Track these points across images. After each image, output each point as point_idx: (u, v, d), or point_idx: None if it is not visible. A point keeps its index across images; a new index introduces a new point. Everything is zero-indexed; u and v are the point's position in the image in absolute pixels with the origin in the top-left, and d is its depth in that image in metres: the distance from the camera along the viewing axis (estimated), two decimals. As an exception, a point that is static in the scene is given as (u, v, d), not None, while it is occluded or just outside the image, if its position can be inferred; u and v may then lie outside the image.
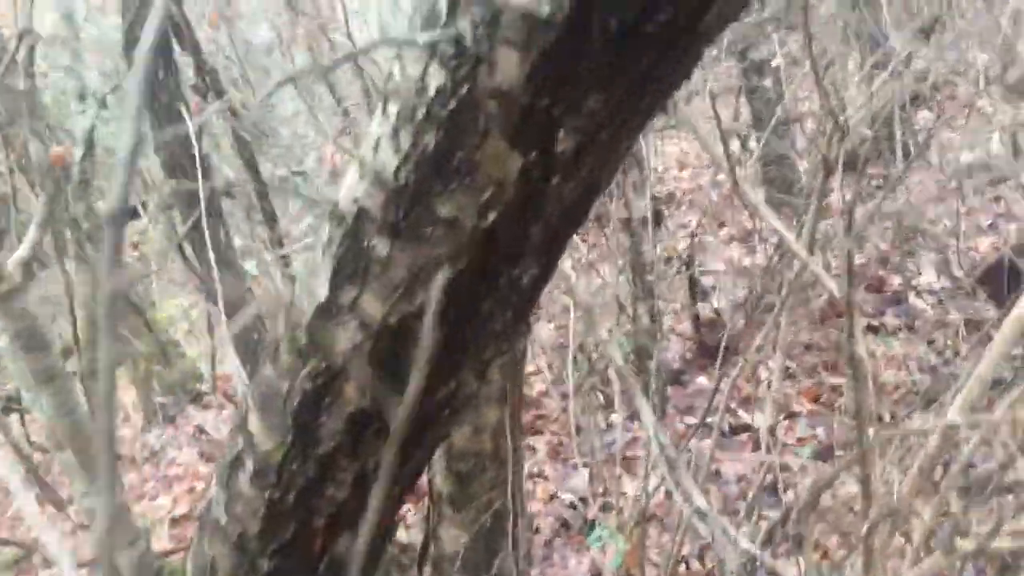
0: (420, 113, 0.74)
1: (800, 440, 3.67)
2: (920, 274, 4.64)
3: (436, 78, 0.72)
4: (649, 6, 0.66)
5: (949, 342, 3.93)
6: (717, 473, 3.53)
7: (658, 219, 3.90)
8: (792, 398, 4.16)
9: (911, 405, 3.62)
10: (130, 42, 2.32)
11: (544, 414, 4.30)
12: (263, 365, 0.97)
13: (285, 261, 3.40)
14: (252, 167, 3.64)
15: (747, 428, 3.98)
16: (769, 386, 3.33)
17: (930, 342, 4.12)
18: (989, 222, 4.87)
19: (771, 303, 3.94)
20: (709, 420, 3.22)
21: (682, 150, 7.66)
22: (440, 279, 0.80)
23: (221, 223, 2.92)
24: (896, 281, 4.46)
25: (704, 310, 4.61)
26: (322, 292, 0.86)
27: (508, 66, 0.69)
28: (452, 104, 0.72)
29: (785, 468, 3.43)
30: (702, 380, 4.31)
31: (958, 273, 4.24)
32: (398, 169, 0.77)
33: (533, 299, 0.87)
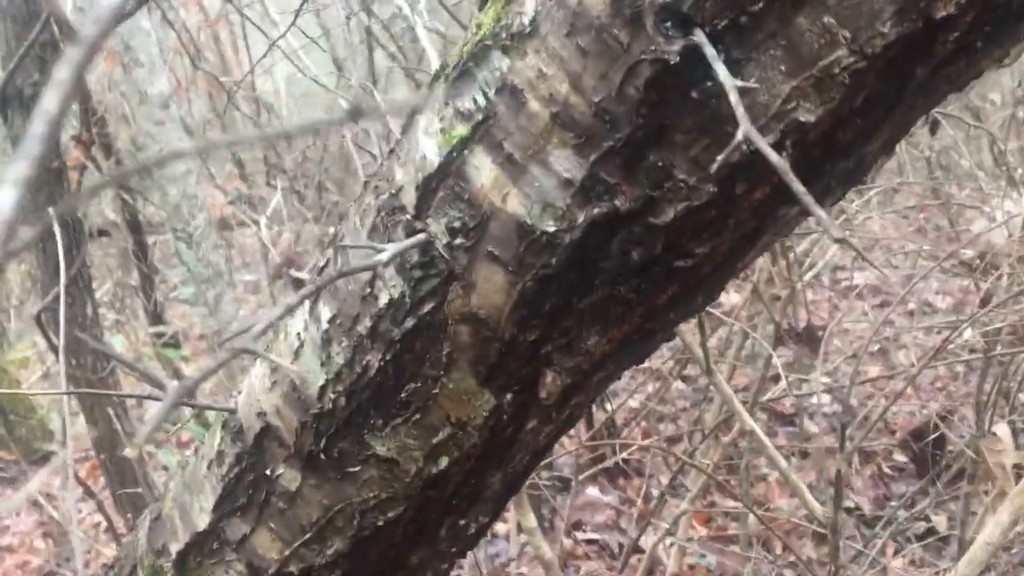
0: (363, 326, 0.56)
1: (691, 567, 3.55)
2: (814, 396, 4.67)
3: (391, 287, 0.54)
4: (682, 238, 0.50)
5: (842, 472, 3.90)
6: (605, 598, 3.37)
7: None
8: (683, 520, 4.04)
9: (803, 536, 3.56)
10: (9, 96, 2.04)
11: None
12: (113, 587, 0.74)
13: (159, 336, 3.09)
14: (135, 228, 3.34)
15: (638, 549, 3.83)
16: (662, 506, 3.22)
17: (821, 470, 4.11)
18: (877, 347, 4.97)
19: (664, 413, 3.85)
20: (598, 538, 3.07)
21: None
22: (363, 527, 0.60)
23: (89, 295, 2.62)
24: (789, 402, 4.46)
25: (599, 415, 4.50)
26: (202, 518, 0.65)
27: (491, 289, 0.52)
28: (409, 323, 0.54)
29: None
30: (593, 492, 4.16)
31: (852, 401, 4.28)
32: (324, 388, 0.58)
33: (476, 543, 0.68)
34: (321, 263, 0.60)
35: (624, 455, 3.23)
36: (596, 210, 0.49)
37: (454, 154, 0.52)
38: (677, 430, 3.79)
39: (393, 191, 0.54)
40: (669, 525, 2.19)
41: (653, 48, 0.45)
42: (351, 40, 3.78)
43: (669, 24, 0.45)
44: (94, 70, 4.30)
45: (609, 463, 3.77)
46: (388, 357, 0.56)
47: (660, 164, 0.48)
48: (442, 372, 0.55)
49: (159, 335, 3.03)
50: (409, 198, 0.53)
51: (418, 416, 0.57)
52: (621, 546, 3.89)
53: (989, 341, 1.51)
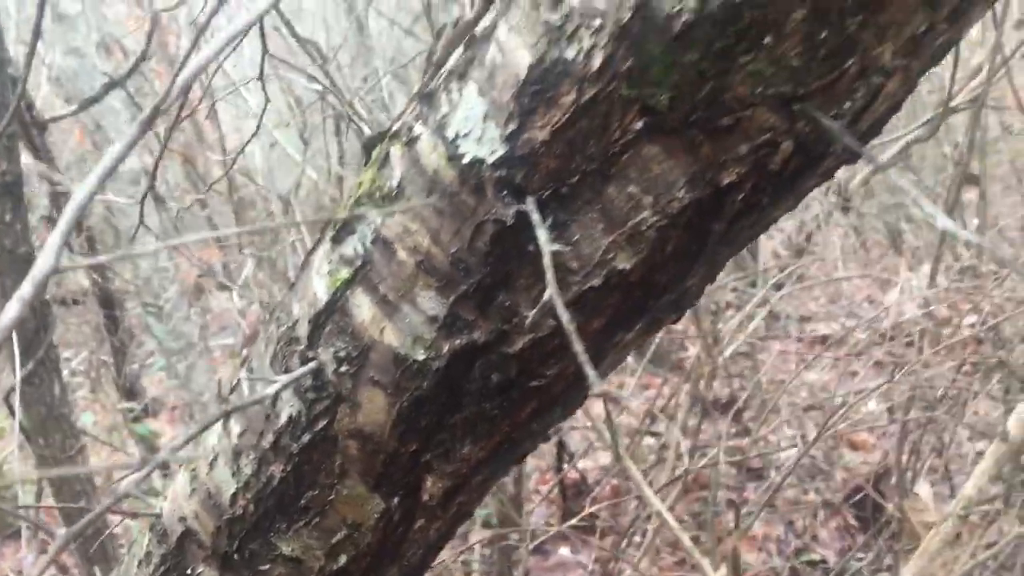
0: (267, 441, 0.64)
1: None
2: (781, 449, 4.73)
3: (290, 407, 0.63)
4: (533, 364, 0.59)
5: (807, 524, 3.96)
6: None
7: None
8: None
9: (771, 591, 3.59)
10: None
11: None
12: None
13: (130, 411, 3.13)
14: (105, 302, 3.39)
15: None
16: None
17: (789, 523, 4.15)
18: (840, 399, 5.02)
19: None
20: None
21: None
22: (276, 619, 0.67)
23: (57, 375, 2.66)
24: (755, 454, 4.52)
25: (571, 472, 4.54)
26: (132, 615, 0.72)
27: (374, 409, 0.60)
28: (305, 438, 0.62)
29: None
30: (564, 552, 4.18)
31: (816, 452, 4.34)
32: (236, 496, 0.66)
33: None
34: (233, 383, 0.68)
35: (591, 510, 3.26)
36: (457, 342, 0.58)
37: (339, 294, 0.60)
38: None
39: (290, 324, 0.63)
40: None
41: (494, 211, 0.54)
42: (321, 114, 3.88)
43: (505, 192, 0.54)
44: (64, 147, 4.39)
45: (569, 525, 3.79)
46: (289, 468, 0.63)
47: (507, 303, 0.57)
48: (336, 480, 0.63)
49: (130, 410, 3.07)
50: (303, 330, 0.62)
51: (317, 519, 0.64)
52: (593, 605, 3.89)
53: (900, 405, 1.60)
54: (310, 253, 0.63)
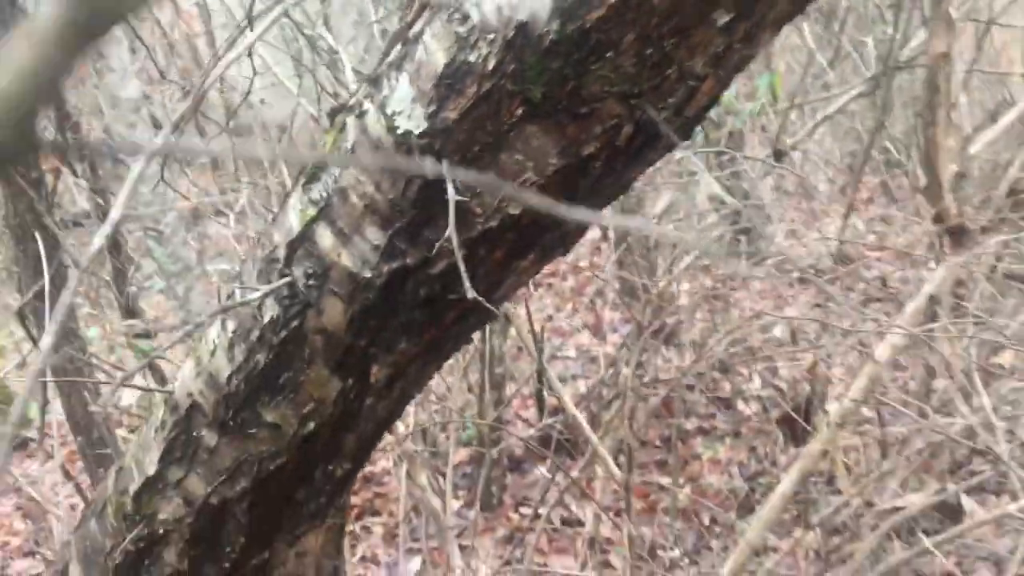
0: (254, 335, 0.85)
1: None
2: (750, 380, 4.97)
3: (271, 310, 0.84)
4: (451, 282, 0.79)
5: (768, 450, 4.22)
6: (545, 566, 3.67)
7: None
8: (621, 495, 4.33)
9: (731, 510, 3.85)
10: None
11: (384, 492, 4.34)
12: (88, 519, 1.03)
13: (131, 329, 3.35)
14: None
15: (580, 523, 4.12)
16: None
17: (752, 448, 4.41)
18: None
19: (613, 395, 4.15)
20: (541, 512, 3.37)
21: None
22: (261, 471, 0.90)
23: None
24: (727, 386, 4.78)
25: (550, 398, 4.79)
26: (151, 468, 0.94)
27: (333, 313, 0.81)
28: (283, 334, 0.83)
29: (608, 565, 3.59)
30: (542, 470, 4.45)
31: (782, 384, 4.57)
32: (231, 377, 0.87)
33: (346, 487, 0.98)
34: (229, 291, 0.89)
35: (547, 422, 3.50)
36: (394, 264, 0.78)
37: (307, 226, 0.81)
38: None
39: (272, 248, 0.83)
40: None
41: (419, 169, 0.74)
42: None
43: (428, 156, 0.74)
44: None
45: (527, 438, 4.03)
46: (270, 356, 0.85)
47: (431, 237, 0.77)
48: (305, 365, 0.84)
49: (132, 327, 3.29)
50: (281, 253, 0.83)
51: (292, 395, 0.86)
52: (564, 520, 4.20)
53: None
54: (288, 195, 0.83)
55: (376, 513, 4.21)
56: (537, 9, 0.67)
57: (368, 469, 4.27)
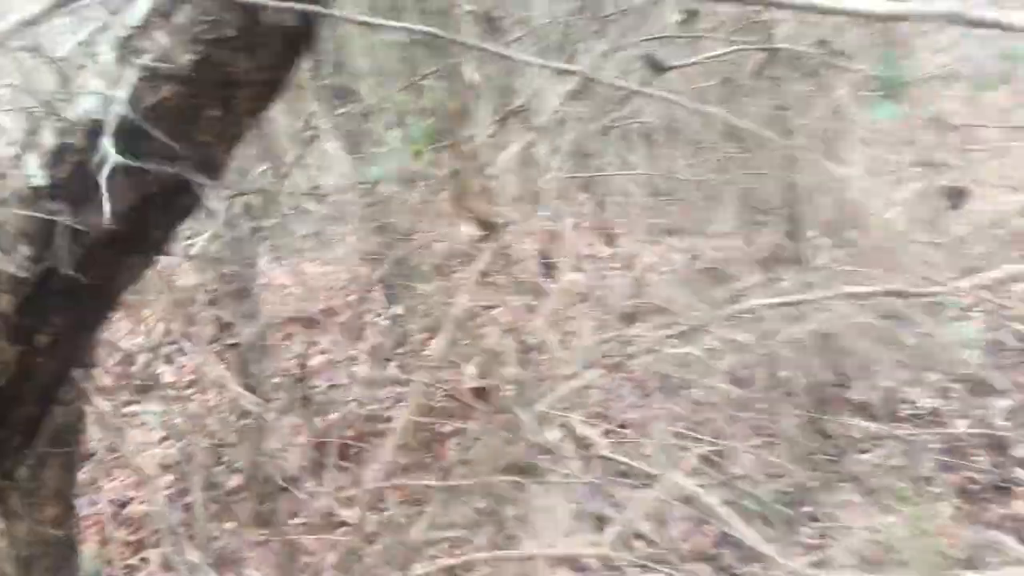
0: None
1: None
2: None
3: (-37, 305, 1.30)
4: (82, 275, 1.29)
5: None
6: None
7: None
8: (388, 494, 4.81)
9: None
10: None
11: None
12: None
13: None
14: None
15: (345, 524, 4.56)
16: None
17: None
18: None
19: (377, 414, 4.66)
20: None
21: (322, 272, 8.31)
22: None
23: None
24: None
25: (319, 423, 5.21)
26: None
27: (4, 302, 1.29)
28: (-28, 316, 1.30)
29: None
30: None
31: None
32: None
33: (35, 431, 1.44)
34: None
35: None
36: (41, 267, 1.27)
37: (-17, 249, 1.28)
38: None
39: (-39, 265, 1.30)
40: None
41: (43, 209, 1.24)
42: None
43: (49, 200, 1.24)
44: None
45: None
46: (-34, 335, 1.31)
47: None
48: (-10, 339, 1.31)
49: None
50: (-33, 267, 1.30)
51: (-15, 358, 1.32)
52: (343, 524, 4.62)
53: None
54: None
55: (156, 547, 4.46)
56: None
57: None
